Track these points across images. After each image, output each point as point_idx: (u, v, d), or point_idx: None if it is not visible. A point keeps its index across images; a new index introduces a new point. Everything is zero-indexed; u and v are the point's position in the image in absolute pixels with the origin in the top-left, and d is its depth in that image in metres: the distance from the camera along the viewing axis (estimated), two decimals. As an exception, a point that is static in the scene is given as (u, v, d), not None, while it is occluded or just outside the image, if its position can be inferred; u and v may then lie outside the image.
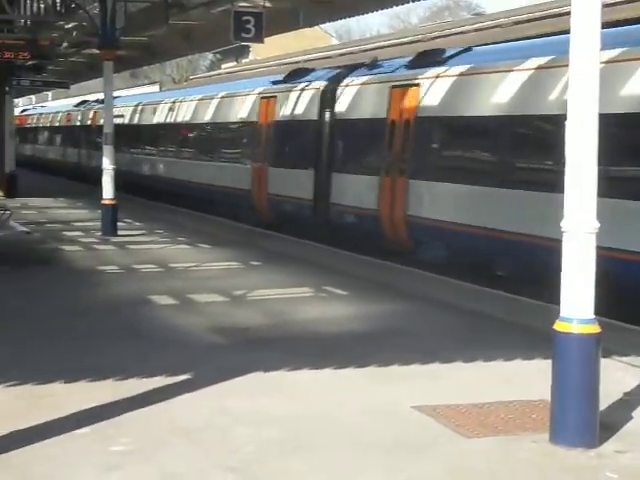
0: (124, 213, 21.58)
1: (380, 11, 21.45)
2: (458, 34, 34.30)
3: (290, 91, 21.02)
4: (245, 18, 16.81)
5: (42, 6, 26.26)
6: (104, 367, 8.48)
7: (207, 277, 14.29)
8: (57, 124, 47.67)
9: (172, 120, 29.67)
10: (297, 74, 21.61)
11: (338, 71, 20.12)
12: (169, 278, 14.18)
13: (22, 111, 56.51)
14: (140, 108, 34.16)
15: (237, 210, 23.21)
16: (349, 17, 23.52)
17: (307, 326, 10.54)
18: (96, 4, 20.49)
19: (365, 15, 22.25)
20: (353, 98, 18.33)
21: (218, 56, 77.33)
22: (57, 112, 49.28)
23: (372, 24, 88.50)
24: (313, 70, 21.62)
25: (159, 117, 31.34)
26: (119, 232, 19.57)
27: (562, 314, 6.41)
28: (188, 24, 23.68)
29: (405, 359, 8.80)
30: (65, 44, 30.24)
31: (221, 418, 7.07)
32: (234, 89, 25.69)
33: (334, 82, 19.25)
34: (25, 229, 16.27)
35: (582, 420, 6.43)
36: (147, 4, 22.39)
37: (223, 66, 73.15)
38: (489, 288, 13.08)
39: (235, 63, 68.72)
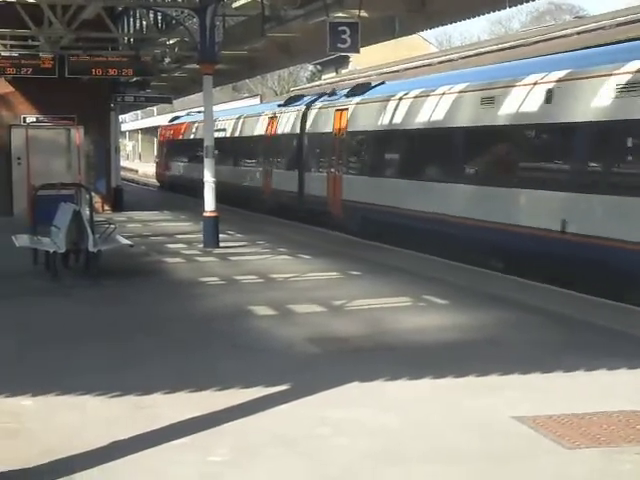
0: (226, 225, 21.83)
1: (479, 17, 21.29)
2: (560, 37, 33.82)
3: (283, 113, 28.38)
4: (341, 29, 16.84)
5: (144, 23, 26.85)
6: (203, 377, 8.58)
7: (307, 287, 14.34)
8: (247, 132, 32.29)
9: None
10: (293, 100, 28.44)
11: (314, 97, 27.03)
12: (269, 289, 14.28)
13: (172, 119, 48.65)
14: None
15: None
16: (444, 25, 23.42)
17: (405, 336, 10.49)
18: (195, 19, 20.83)
19: (465, 22, 22.16)
20: (314, 118, 25.65)
21: (318, 67, 77.82)
22: (243, 116, 33.67)
23: (473, 30, 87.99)
24: (303, 96, 28.50)
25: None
26: (221, 244, 19.80)
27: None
28: (285, 36, 23.91)
29: (504, 369, 8.68)
30: (167, 60, 30.84)
31: (319, 428, 7.07)
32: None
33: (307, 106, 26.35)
34: (129, 242, 16.57)
35: (687, 431, 6.43)
36: (244, 17, 22.66)
37: (323, 77, 73.57)
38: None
39: (335, 74, 69.03)
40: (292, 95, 28.99)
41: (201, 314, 12.14)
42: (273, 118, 28.72)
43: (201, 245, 19.85)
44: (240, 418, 7.31)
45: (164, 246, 20.24)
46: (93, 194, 19.60)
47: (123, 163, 56.78)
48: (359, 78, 47.70)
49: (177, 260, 17.94)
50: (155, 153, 63.64)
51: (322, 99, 25.73)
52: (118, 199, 31.60)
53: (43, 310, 12.53)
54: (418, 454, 6.49)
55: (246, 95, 75.88)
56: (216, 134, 30.36)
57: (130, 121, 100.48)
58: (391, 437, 6.87)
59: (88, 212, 16.19)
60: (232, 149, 33.45)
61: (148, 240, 21.25)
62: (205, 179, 20.34)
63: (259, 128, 30.20)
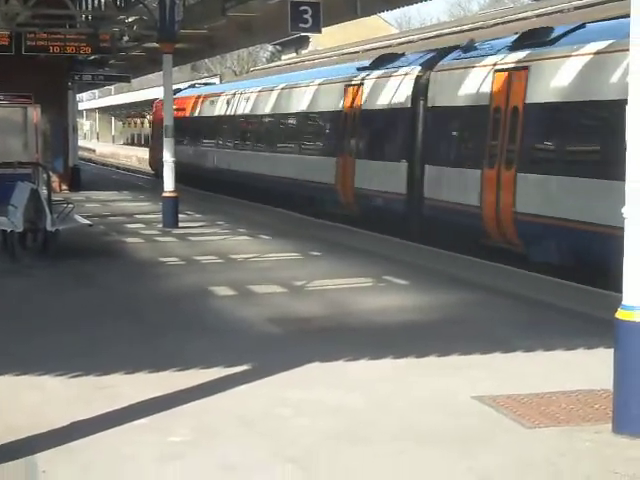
0: (185, 206, 21.72)
1: (438, -1, 21.24)
2: (519, 20, 33.94)
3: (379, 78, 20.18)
4: (302, 8, 16.74)
5: (102, 1, 26.55)
6: (164, 357, 8.54)
7: (267, 268, 14.33)
8: (307, 106, 24.17)
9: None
10: (386, 59, 20.69)
11: (431, 55, 19.03)
12: (229, 269, 14.24)
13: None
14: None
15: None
16: (406, 5, 23.35)
17: (366, 316, 10.51)
18: (155, -2, 20.63)
19: (425, 3, 22.09)
20: (451, 84, 17.07)
21: (278, 47, 77.53)
22: (299, 84, 25.41)
23: (432, 12, 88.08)
24: (402, 55, 20.46)
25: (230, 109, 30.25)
26: (180, 224, 19.70)
27: (624, 302, 6.29)
28: (246, 16, 23.71)
29: (465, 349, 8.72)
30: (125, 38, 30.52)
31: (280, 409, 7.06)
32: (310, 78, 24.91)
33: (427, 67, 18.20)
34: (87, 222, 16.43)
35: (646, 410, 6.27)
36: (205, -4, 22.49)
37: (283, 57, 73.33)
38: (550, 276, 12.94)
39: (295, 54, 68.81)
40: (383, 54, 21.37)
41: (161, 294, 12.08)
42: (356, 86, 20.76)
43: (160, 225, 19.75)
44: (201, 398, 7.28)
45: (123, 226, 20.12)
46: (51, 173, 19.40)
47: (80, 142, 56.17)
48: (322, 58, 47.59)
49: (137, 240, 17.83)
50: (150, 133, 52.56)
51: (454, 55, 17.67)
52: (76, 179, 31.33)
53: (2, 291, 12.40)
54: (380, 433, 6.50)
55: (205, 75, 75.46)
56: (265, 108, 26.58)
57: (87, 100, 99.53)
58: (353, 417, 6.88)
59: (46, 191, 16.02)
60: (283, 129, 25.83)
61: (107, 220, 21.10)
62: (164, 159, 20.23)
63: (329, 100, 22.27)
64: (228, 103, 30.85)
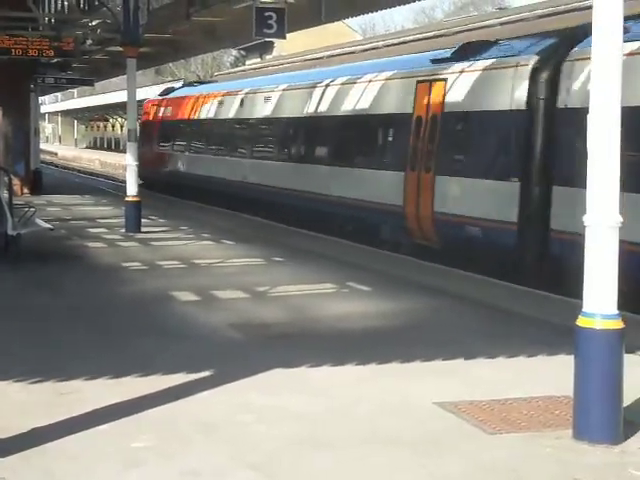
0: (148, 210, 21.63)
1: (404, 6, 21.35)
2: (482, 28, 34.20)
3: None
4: (267, 14, 16.75)
5: (66, 4, 26.40)
6: (126, 363, 8.49)
7: (230, 273, 14.30)
8: (368, 107, 19.21)
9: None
10: (473, 49, 16.33)
11: (551, 41, 14.92)
12: (192, 274, 14.19)
13: (166, 91, 34.92)
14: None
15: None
16: (371, 12, 23.43)
17: (329, 322, 10.52)
18: (119, 1, 20.53)
19: (389, 10, 22.16)
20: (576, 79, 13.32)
21: (242, 52, 77.51)
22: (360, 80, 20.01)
23: (397, 19, 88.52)
24: (495, 43, 16.27)
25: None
26: (143, 229, 19.61)
27: (585, 309, 6.35)
28: (210, 20, 23.70)
29: (427, 355, 8.76)
30: (89, 41, 30.36)
31: (242, 415, 7.05)
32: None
33: (550, 57, 14.24)
34: (49, 226, 16.32)
35: (605, 416, 6.37)
36: (169, 0, 22.42)
37: (247, 62, 73.30)
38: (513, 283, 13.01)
39: (259, 59, 68.82)
40: (468, 42, 16.89)
41: (123, 300, 12.01)
42: (433, 82, 16.50)
43: (123, 230, 19.64)
44: (163, 404, 7.25)
45: (85, 230, 19.98)
46: (12, 177, 19.24)
47: (42, 146, 55.76)
48: (285, 64, 47.59)
49: (99, 245, 17.72)
50: (138, 137, 43.59)
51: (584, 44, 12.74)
52: (37, 182, 31.09)
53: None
54: (341, 439, 6.51)
55: (169, 79, 75.22)
56: (310, 107, 21.21)
57: (50, 103, 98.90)
58: (315, 423, 6.88)
59: (7, 195, 15.88)
60: (327, 136, 20.70)
61: (69, 224, 20.96)
62: (127, 162, 20.15)
63: (395, 100, 17.95)
64: (247, 104, 25.39)
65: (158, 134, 32.92)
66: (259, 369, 8.27)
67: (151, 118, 34.30)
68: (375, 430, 6.73)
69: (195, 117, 29.58)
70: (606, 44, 6.23)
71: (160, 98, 34.23)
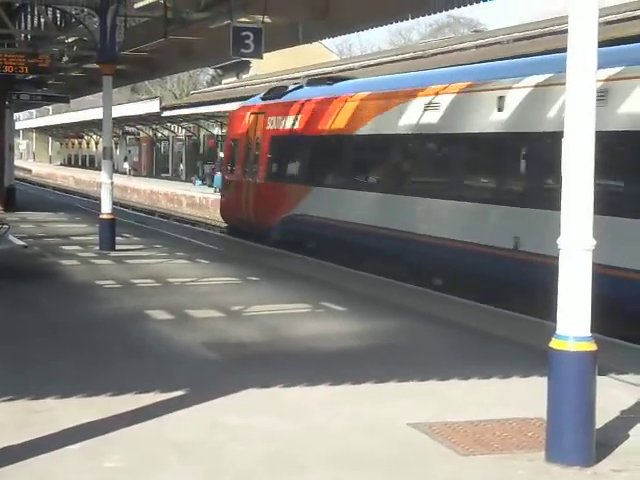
0: (122, 228, 21.57)
1: (380, 27, 21.44)
2: (458, 50, 34.47)
3: None
4: (244, 34, 16.82)
5: (42, 21, 26.34)
6: (98, 382, 8.44)
7: (204, 292, 14.26)
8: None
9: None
10: None
11: None
12: (166, 293, 14.15)
13: (271, 95, 23.31)
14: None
15: None
16: (347, 33, 23.52)
17: (303, 342, 10.50)
18: (96, 19, 20.52)
19: (366, 32, 22.22)
20: None
21: (219, 71, 77.61)
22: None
23: (374, 40, 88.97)
24: None
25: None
26: (117, 247, 19.54)
27: (558, 332, 6.38)
28: (188, 39, 23.71)
29: (402, 376, 8.76)
30: (65, 58, 30.31)
31: (215, 435, 7.03)
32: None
33: None
34: (22, 243, 16.24)
35: (578, 438, 6.39)
36: (147, 19, 22.43)
37: (224, 81, 73.40)
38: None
39: (236, 78, 68.93)
40: None
41: (97, 318, 11.95)
42: None
43: (97, 247, 19.56)
44: (136, 424, 7.21)
45: (59, 248, 19.89)
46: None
47: (16, 162, 55.51)
48: (263, 83, 47.63)
49: (72, 262, 17.64)
50: (223, 160, 31.03)
51: None
52: (11, 199, 30.95)
53: None
54: (315, 461, 6.49)
55: (145, 97, 75.19)
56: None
57: (24, 119, 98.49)
58: (288, 443, 6.87)
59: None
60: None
61: (42, 241, 20.86)
62: (102, 180, 20.06)
63: None
64: (479, 107, 15.00)
65: (266, 157, 21.79)
66: (233, 389, 8.24)
67: (249, 133, 22.74)
68: (349, 451, 6.72)
69: (358, 131, 18.20)
70: (580, 70, 6.28)
71: (265, 103, 22.79)
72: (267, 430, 7.15)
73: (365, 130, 17.99)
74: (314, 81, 22.91)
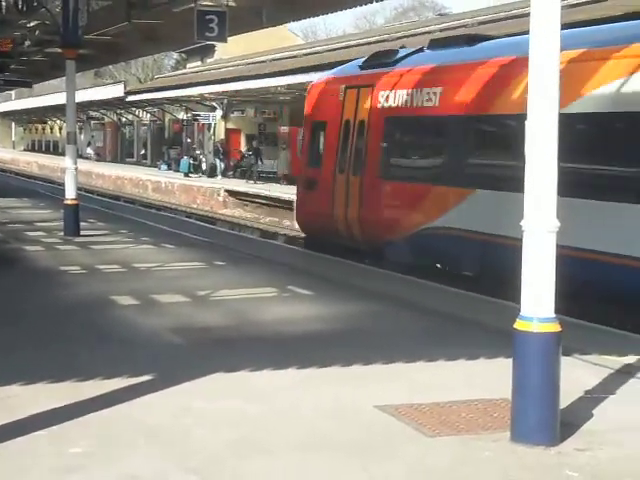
0: (87, 213, 21.44)
1: (345, 11, 21.42)
2: (423, 34, 34.49)
3: None
4: (208, 17, 16.75)
5: (4, 4, 26.03)
6: (65, 368, 8.40)
7: (170, 277, 14.22)
8: None
9: None
10: None
11: None
12: (132, 278, 14.09)
13: (371, 62, 17.49)
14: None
15: None
16: (312, 17, 23.50)
17: (270, 326, 10.51)
18: (58, 2, 20.33)
19: (331, 15, 22.21)
20: None
21: (183, 55, 77.17)
22: None
23: (338, 24, 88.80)
24: None
25: None
26: (82, 232, 19.43)
27: (522, 313, 6.43)
28: (151, 23, 23.53)
29: (368, 359, 8.79)
30: (27, 43, 30.00)
31: (182, 419, 7.02)
32: None
33: None
34: (-14, 229, 16.14)
35: (543, 418, 6.45)
36: (110, 2, 22.24)
37: (188, 65, 73.01)
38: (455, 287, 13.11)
39: (200, 62, 68.58)
40: None
41: (63, 304, 11.89)
42: None
43: (61, 233, 19.44)
44: (103, 409, 7.19)
45: (23, 234, 19.75)
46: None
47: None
48: (228, 67, 47.40)
49: (36, 248, 17.52)
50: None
51: None
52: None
53: None
54: (282, 443, 6.51)
55: (109, 81, 74.69)
56: None
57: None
58: (255, 427, 6.88)
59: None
60: None
61: (6, 227, 20.71)
62: (67, 166, 19.93)
63: None
64: None
65: (381, 145, 16.37)
66: (200, 373, 8.24)
67: (346, 112, 17.22)
68: (316, 434, 6.74)
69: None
70: (543, 51, 6.31)
71: (369, 73, 17.24)
72: (234, 414, 7.16)
73: (580, 106, 12.01)
74: (439, 42, 16.91)
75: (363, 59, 18.15)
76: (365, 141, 16.50)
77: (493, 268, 13.17)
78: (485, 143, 14.56)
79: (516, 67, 12.86)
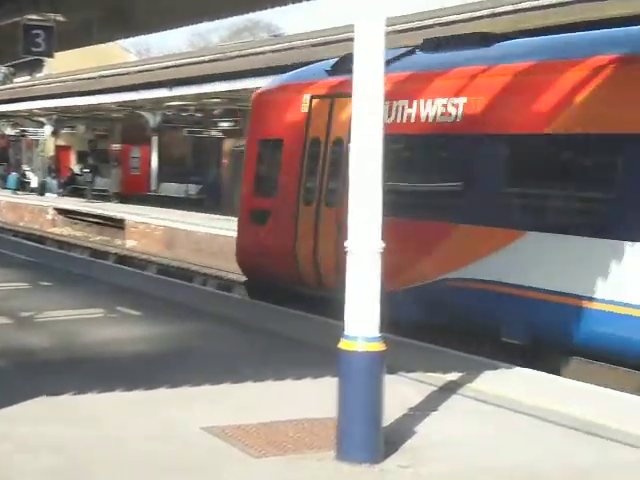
0: None
1: (179, 29, 21.32)
2: (257, 54, 34.74)
3: None
4: (35, 32, 16.36)
5: None
6: None
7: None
8: None
9: None
10: None
11: None
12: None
13: (339, 66, 13.81)
14: None
15: None
16: (144, 34, 23.25)
17: (96, 348, 10.29)
18: None
19: (165, 32, 22.06)
20: None
21: (11, 69, 75.02)
22: None
23: (172, 42, 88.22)
24: None
25: None
26: None
27: (346, 332, 6.49)
28: (-24, 35, 22.80)
29: (196, 380, 8.71)
30: None
31: (2, 444, 6.77)
32: None
33: None
34: None
35: (367, 436, 6.53)
36: None
37: (16, 80, 71.02)
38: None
39: (29, 77, 66.86)
40: None
41: None
42: None
43: None
44: None
45: None
46: None
47: None
48: (56, 83, 46.39)
49: None
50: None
51: None
52: None
53: None
54: (106, 468, 6.37)
55: None
56: None
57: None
58: (78, 452, 6.70)
59: None
60: None
61: None
62: None
63: None
64: None
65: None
66: (22, 397, 7.96)
67: (313, 128, 13.85)
68: (141, 457, 6.62)
69: None
70: (368, 76, 6.44)
71: (341, 79, 13.09)
72: (55, 440, 6.94)
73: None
74: (437, 43, 13.40)
75: (332, 62, 14.47)
76: (346, 165, 11.12)
77: (549, 336, 10.50)
78: (543, 168, 11.02)
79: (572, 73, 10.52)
